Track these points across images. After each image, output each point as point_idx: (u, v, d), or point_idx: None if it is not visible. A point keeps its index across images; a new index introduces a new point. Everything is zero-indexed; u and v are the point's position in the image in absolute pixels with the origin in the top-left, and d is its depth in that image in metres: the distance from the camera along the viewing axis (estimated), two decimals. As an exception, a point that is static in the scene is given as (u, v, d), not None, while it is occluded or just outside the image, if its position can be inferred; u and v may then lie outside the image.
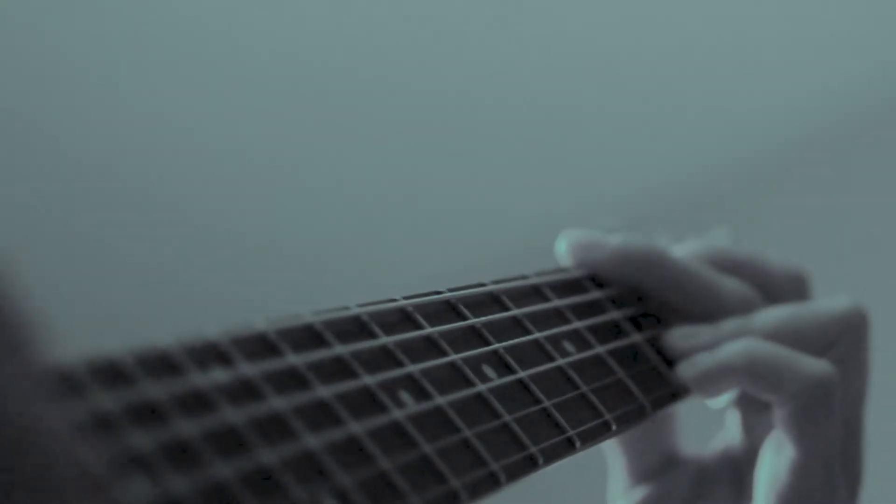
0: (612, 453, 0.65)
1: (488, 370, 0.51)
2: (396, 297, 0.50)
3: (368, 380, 0.45)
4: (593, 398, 0.54)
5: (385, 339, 0.48)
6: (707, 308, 0.62)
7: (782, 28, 1.92)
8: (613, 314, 0.60)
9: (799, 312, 0.61)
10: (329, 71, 1.97)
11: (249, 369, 0.42)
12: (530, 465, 0.49)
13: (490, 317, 0.54)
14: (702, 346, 0.60)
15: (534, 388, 0.52)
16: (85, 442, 0.35)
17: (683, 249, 0.64)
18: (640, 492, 0.64)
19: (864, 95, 2.00)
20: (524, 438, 0.49)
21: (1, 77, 1.95)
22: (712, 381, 0.59)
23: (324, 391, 0.43)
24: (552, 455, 0.50)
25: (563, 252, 0.63)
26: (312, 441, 0.41)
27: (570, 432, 0.52)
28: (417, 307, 0.51)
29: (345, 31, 1.92)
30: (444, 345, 0.50)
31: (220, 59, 1.96)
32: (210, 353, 0.41)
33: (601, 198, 2.12)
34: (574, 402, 0.53)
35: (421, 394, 0.47)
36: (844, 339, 0.61)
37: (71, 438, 0.34)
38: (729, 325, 0.61)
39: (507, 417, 0.49)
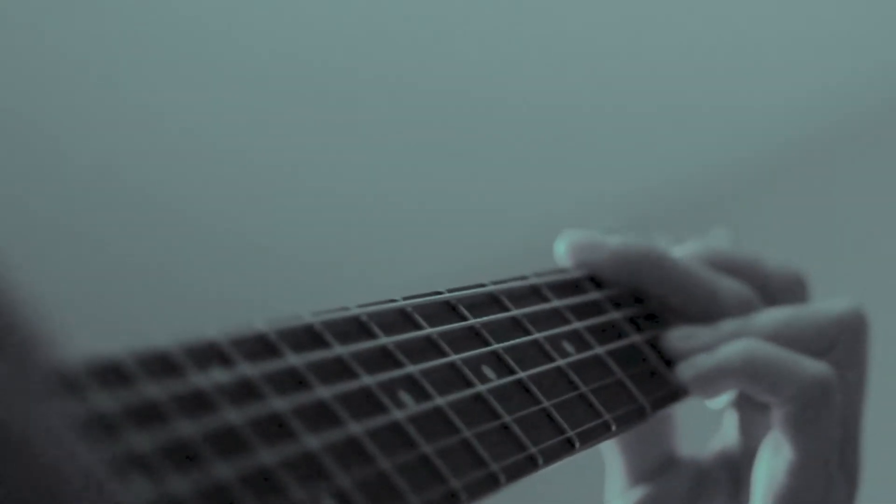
0: (610, 453, 0.65)
1: (488, 371, 0.51)
2: (396, 298, 0.50)
3: (368, 380, 0.45)
4: (593, 399, 0.54)
5: (385, 340, 0.48)
6: (706, 309, 0.62)
7: (782, 28, 1.92)
8: (613, 315, 0.60)
9: (798, 314, 0.61)
10: (329, 71, 1.97)
11: (249, 370, 0.42)
12: (530, 465, 0.49)
13: (490, 317, 0.54)
14: (701, 347, 0.60)
15: (533, 388, 0.52)
16: (85, 442, 0.35)
17: (682, 250, 0.65)
18: (638, 492, 0.64)
19: (864, 95, 2.00)
20: (524, 439, 0.49)
21: (1, 77, 1.95)
22: (711, 381, 0.59)
23: (324, 392, 0.43)
24: (552, 455, 0.50)
25: (563, 253, 0.63)
26: (312, 441, 0.41)
27: (570, 433, 0.52)
28: (417, 308, 0.51)
29: (345, 31, 1.92)
30: (444, 345, 0.50)
31: (220, 59, 1.96)
32: (210, 354, 0.41)
33: (601, 198, 2.12)
34: (574, 403, 0.53)
35: (421, 394, 0.47)
36: (843, 341, 0.61)
37: (71, 439, 0.34)
38: (728, 326, 0.61)
39: (507, 418, 0.49)
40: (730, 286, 0.63)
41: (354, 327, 0.47)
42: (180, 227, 2.14)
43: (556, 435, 0.51)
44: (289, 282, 2.20)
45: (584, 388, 0.54)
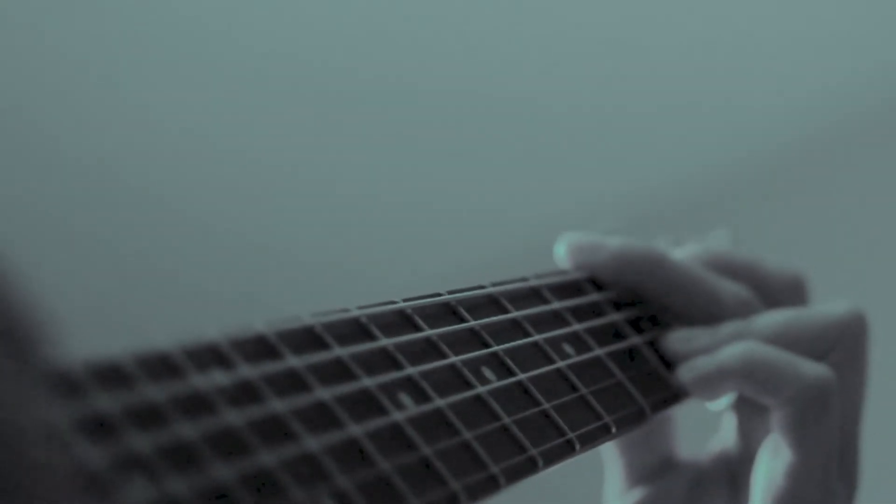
0: (609, 455, 0.65)
1: (488, 372, 0.51)
2: (396, 300, 0.50)
3: (368, 382, 0.46)
4: (593, 400, 0.54)
5: (384, 342, 0.48)
6: (706, 311, 0.62)
7: (782, 28, 1.92)
8: (613, 317, 0.60)
9: (798, 316, 0.61)
10: (329, 71, 1.97)
11: (249, 371, 0.42)
12: (530, 467, 0.49)
13: (489, 319, 0.54)
14: (701, 350, 0.60)
15: (533, 390, 0.52)
16: (77, 443, 0.35)
17: (682, 252, 0.64)
18: (637, 494, 0.64)
19: (864, 95, 2.00)
20: (524, 441, 0.49)
21: (1, 77, 1.94)
22: (711, 384, 0.59)
23: (323, 393, 0.43)
24: (552, 457, 0.50)
25: (563, 255, 0.63)
26: (312, 443, 0.41)
27: (570, 435, 0.52)
28: (417, 309, 0.51)
29: (345, 31, 1.92)
30: (444, 347, 0.50)
31: (220, 59, 1.96)
32: (210, 355, 0.41)
33: (601, 198, 2.12)
34: (574, 405, 0.53)
35: (420, 396, 0.47)
36: (843, 344, 0.61)
37: (61, 440, 0.34)
38: (728, 328, 0.61)
39: (507, 420, 0.49)
40: (730, 288, 0.63)
41: (354, 329, 0.47)
42: (180, 227, 2.14)
43: (556, 437, 0.51)
44: (289, 282, 2.20)
45: (584, 390, 0.54)
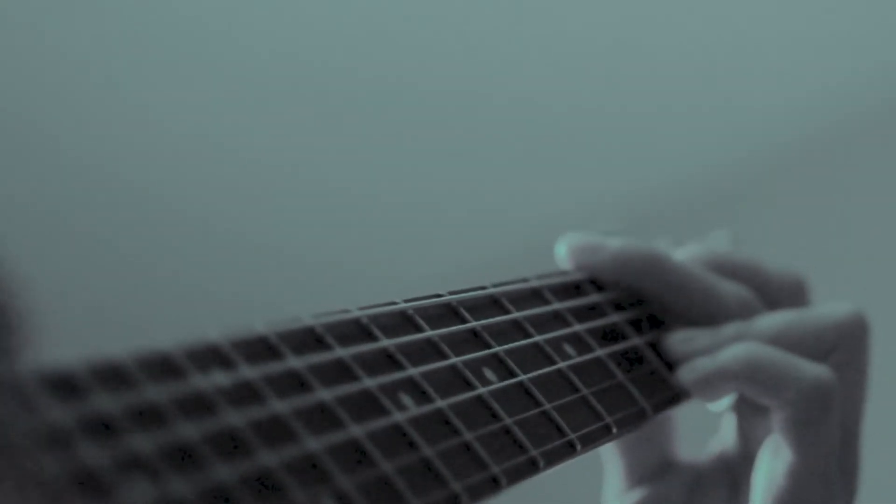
0: (608, 455, 0.65)
1: (489, 373, 0.51)
2: (397, 300, 0.50)
3: (369, 382, 0.46)
4: (594, 401, 0.54)
5: (386, 342, 0.48)
6: (707, 312, 0.62)
7: (782, 28, 1.92)
8: (614, 317, 0.60)
9: (799, 318, 0.61)
10: (329, 71, 1.97)
11: (250, 372, 0.42)
12: (531, 468, 0.49)
13: (490, 320, 0.54)
14: (702, 350, 0.60)
15: (534, 391, 0.52)
16: (78, 444, 0.35)
17: (683, 253, 0.64)
18: (636, 495, 0.64)
19: (864, 95, 2.00)
20: (525, 441, 0.49)
21: (1, 77, 1.95)
22: (712, 384, 0.59)
23: (324, 394, 0.43)
24: (553, 458, 0.50)
25: (564, 255, 0.63)
26: (313, 444, 0.41)
27: (571, 435, 0.52)
28: (418, 310, 0.51)
29: (345, 31, 1.92)
30: (445, 348, 0.50)
31: (220, 59, 1.96)
32: (211, 356, 0.41)
33: (601, 198, 2.12)
34: (575, 405, 0.53)
35: (422, 396, 0.47)
36: (844, 345, 0.61)
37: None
38: (729, 329, 0.61)
39: (508, 420, 0.49)
40: (730, 289, 0.63)
41: (355, 329, 0.47)
42: (180, 227, 2.14)
43: (557, 437, 0.51)
44: (289, 282, 2.20)
45: (584, 391, 0.54)
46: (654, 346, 0.61)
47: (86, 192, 2.08)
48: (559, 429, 0.51)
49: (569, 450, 0.51)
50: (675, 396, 0.60)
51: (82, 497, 0.34)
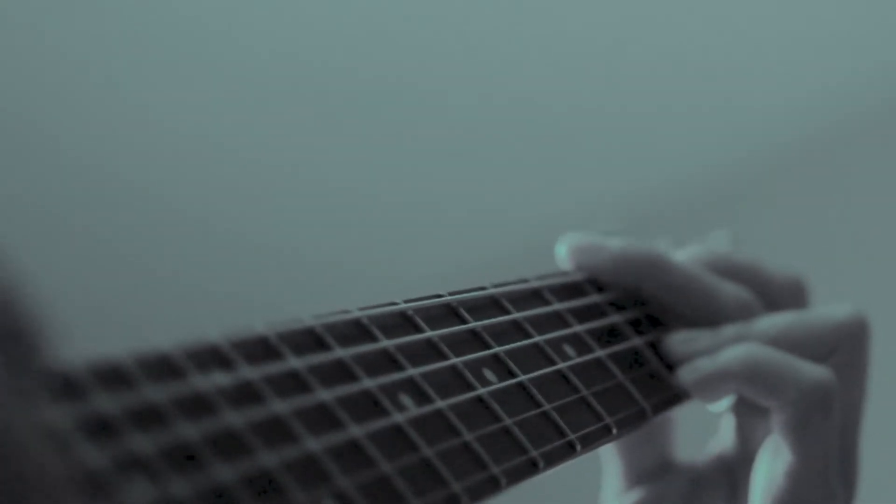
0: (607, 456, 0.65)
1: (489, 374, 0.51)
2: (397, 301, 0.50)
3: (369, 383, 0.46)
4: (594, 402, 0.54)
5: (386, 343, 0.48)
6: (707, 313, 0.62)
7: (782, 28, 1.92)
8: (614, 318, 0.60)
9: (800, 319, 0.61)
10: (329, 71, 1.97)
11: (250, 372, 0.42)
12: (531, 468, 0.49)
13: (491, 320, 0.54)
14: (702, 351, 0.60)
15: (534, 391, 0.52)
16: (78, 444, 0.35)
17: (683, 254, 0.64)
18: (634, 495, 0.64)
19: (864, 95, 2.00)
20: (525, 442, 0.49)
21: (1, 77, 1.95)
22: (712, 385, 0.59)
23: (324, 394, 0.44)
24: (553, 459, 0.50)
25: (564, 256, 0.63)
26: (313, 444, 0.41)
27: (571, 436, 0.52)
28: (418, 310, 0.51)
29: (345, 31, 1.93)
30: (445, 348, 0.50)
31: (220, 59, 1.96)
32: (211, 356, 0.41)
33: (601, 198, 2.12)
34: (575, 406, 0.53)
35: (422, 397, 0.47)
36: (844, 347, 0.61)
37: (61, 442, 0.34)
38: (729, 330, 0.61)
39: (508, 421, 0.49)
40: (730, 290, 0.63)
41: (355, 330, 0.47)
42: (180, 227, 2.14)
43: (557, 438, 0.51)
44: (289, 283, 2.20)
45: (585, 392, 0.54)
46: (654, 347, 0.61)
47: (86, 192, 2.08)
48: (559, 429, 0.51)
49: (569, 450, 0.51)
50: (675, 397, 0.60)
51: (82, 497, 0.34)
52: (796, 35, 1.93)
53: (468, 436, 0.47)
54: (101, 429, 0.36)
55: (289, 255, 2.20)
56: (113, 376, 0.38)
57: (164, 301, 2.18)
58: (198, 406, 0.39)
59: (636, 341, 0.60)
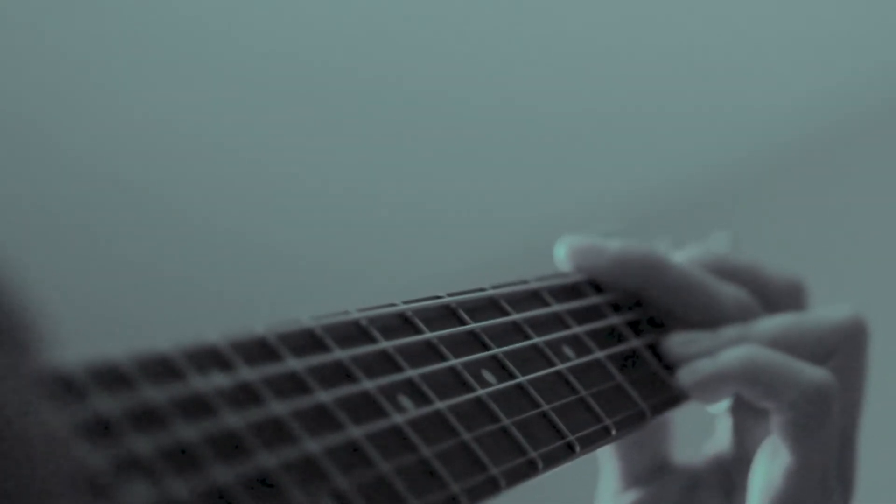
0: (604, 457, 0.65)
1: (488, 375, 0.51)
2: (396, 302, 0.50)
3: (368, 384, 0.46)
4: (593, 403, 0.54)
5: (385, 344, 0.48)
6: (706, 314, 0.62)
7: (782, 28, 1.92)
8: (613, 319, 0.60)
9: (799, 321, 0.61)
10: (329, 71, 1.97)
11: (249, 374, 0.42)
12: (530, 469, 0.49)
13: (490, 321, 0.54)
14: (701, 353, 0.60)
15: (533, 392, 0.52)
16: (78, 445, 0.35)
17: (682, 255, 0.65)
18: (631, 496, 0.64)
19: (864, 95, 2.00)
20: (524, 443, 0.49)
21: (1, 77, 1.95)
22: (712, 387, 0.59)
23: (324, 396, 0.44)
24: (552, 460, 0.50)
25: (563, 257, 0.63)
26: (312, 445, 0.41)
27: (570, 437, 0.52)
28: (417, 312, 0.51)
29: (345, 31, 1.92)
30: (444, 349, 0.50)
31: (220, 59, 1.96)
32: (210, 358, 0.41)
33: (601, 198, 2.12)
34: (574, 407, 0.53)
35: (421, 398, 0.47)
36: (843, 349, 0.61)
37: (67, 443, 0.34)
38: (728, 331, 0.61)
39: (507, 422, 0.49)
40: (730, 292, 0.63)
41: (354, 331, 0.47)
42: (180, 227, 2.14)
43: (556, 439, 0.51)
44: (289, 283, 2.20)
45: (584, 393, 0.54)
46: (654, 348, 0.61)
47: (86, 192, 2.08)
48: (558, 430, 0.51)
49: (568, 451, 0.51)
50: (675, 398, 0.60)
51: (82, 498, 0.34)
52: (796, 35, 1.93)
53: (467, 437, 0.47)
54: (100, 430, 0.36)
55: (289, 256, 2.20)
56: (112, 377, 0.38)
57: (163, 301, 2.18)
58: (197, 407, 0.39)
59: (635, 342, 0.60)
